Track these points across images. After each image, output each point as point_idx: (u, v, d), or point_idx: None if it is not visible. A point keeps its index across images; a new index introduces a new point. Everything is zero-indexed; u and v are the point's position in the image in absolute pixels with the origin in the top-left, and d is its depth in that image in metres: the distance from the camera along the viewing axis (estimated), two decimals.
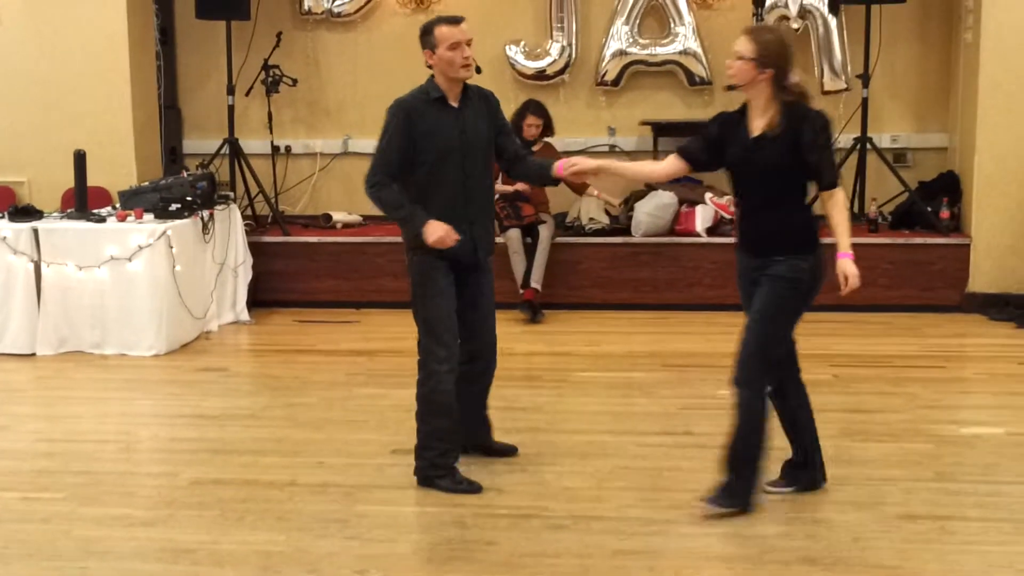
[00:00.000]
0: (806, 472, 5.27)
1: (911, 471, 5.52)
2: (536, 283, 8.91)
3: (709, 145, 5.09)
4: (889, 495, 5.21)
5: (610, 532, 4.88)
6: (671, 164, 5.21)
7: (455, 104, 5.29)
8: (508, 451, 5.74)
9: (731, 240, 9.07)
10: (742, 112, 5.00)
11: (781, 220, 4.92)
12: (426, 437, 5.35)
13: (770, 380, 5.05)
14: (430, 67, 5.30)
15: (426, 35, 5.26)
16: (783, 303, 4.96)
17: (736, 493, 4.99)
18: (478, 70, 5.34)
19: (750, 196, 5.03)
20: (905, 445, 5.90)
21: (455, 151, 5.24)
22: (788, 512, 5.04)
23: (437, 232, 5.13)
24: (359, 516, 5.08)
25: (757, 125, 4.92)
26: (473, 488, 5.29)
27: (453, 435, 5.38)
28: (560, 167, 5.37)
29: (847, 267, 4.89)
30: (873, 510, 5.03)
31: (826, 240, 4.95)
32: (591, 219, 9.41)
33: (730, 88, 4.98)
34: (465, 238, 5.24)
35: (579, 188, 9.15)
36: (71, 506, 5.23)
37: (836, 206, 4.91)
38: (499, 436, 5.85)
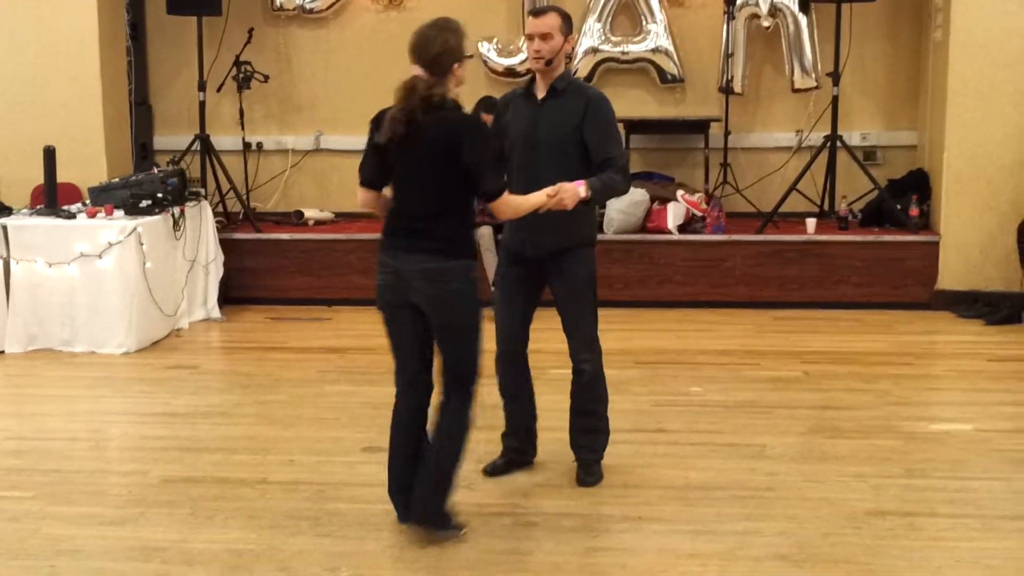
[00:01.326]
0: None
1: (881, 467, 5.55)
2: None
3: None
4: (859, 491, 5.24)
5: (582, 530, 4.89)
6: None
7: (542, 96, 5.26)
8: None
9: (704, 237, 9.16)
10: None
11: None
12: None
13: None
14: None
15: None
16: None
17: None
18: (549, 63, 5.20)
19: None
20: (875, 441, 5.93)
21: (525, 143, 5.21)
22: (759, 508, 5.06)
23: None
24: (330, 514, 5.07)
25: None
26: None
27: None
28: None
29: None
30: (843, 506, 5.06)
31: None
32: None
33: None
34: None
35: None
36: (40, 505, 5.20)
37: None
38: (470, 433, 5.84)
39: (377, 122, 4.72)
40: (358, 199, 4.85)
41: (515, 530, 4.89)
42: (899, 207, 9.31)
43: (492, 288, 8.86)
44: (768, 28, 9.95)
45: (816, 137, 9.81)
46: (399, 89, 4.66)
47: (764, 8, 9.90)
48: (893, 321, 8.63)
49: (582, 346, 5.44)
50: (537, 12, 5.27)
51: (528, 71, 10.15)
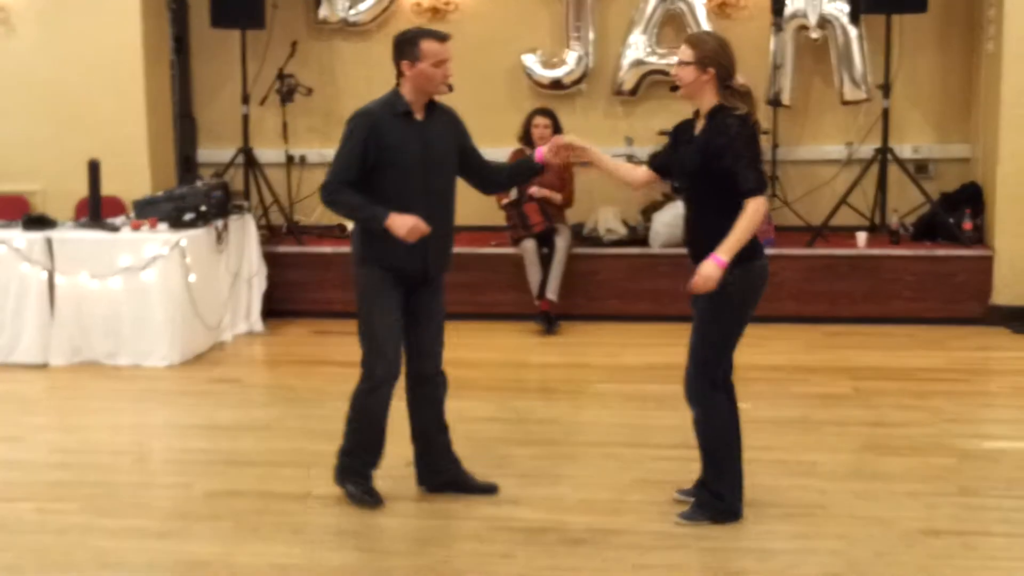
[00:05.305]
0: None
1: (934, 486, 5.44)
2: (552, 294, 8.84)
3: (668, 152, 5.10)
4: (912, 510, 5.14)
5: (629, 547, 4.81)
6: (644, 172, 5.26)
7: (420, 118, 5.20)
8: (488, 489, 5.43)
9: None
10: (695, 115, 5.00)
11: (708, 226, 4.83)
12: (355, 445, 5.33)
13: (719, 388, 5.05)
14: (401, 76, 5.18)
15: (408, 46, 5.13)
16: (713, 314, 4.90)
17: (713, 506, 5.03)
18: (450, 88, 5.24)
19: (686, 200, 5.05)
20: (928, 459, 5.81)
21: (418, 165, 5.14)
22: (810, 527, 4.96)
23: (406, 223, 5.00)
24: (375, 528, 5.04)
25: (698, 127, 4.92)
26: (372, 502, 5.25)
27: (378, 450, 5.35)
28: (540, 152, 5.33)
29: (704, 267, 4.74)
30: (896, 525, 4.96)
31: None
32: (608, 229, 9.35)
33: (674, 89, 5.01)
34: (418, 254, 5.14)
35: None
36: (86, 517, 5.19)
37: (742, 213, 4.74)
38: (514, 448, 5.79)
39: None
40: None
41: (561, 547, 4.81)
42: (952, 221, 9.16)
43: (536, 301, 8.84)
44: (817, 40, 9.84)
45: (867, 150, 9.67)
46: None
47: (813, 19, 9.78)
48: (946, 337, 8.48)
49: (441, 360, 5.43)
50: (445, 36, 5.21)
51: (574, 83, 10.18)
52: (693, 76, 4.83)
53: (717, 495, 5.03)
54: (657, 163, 5.20)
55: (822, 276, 9.00)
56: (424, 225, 5.01)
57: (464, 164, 5.36)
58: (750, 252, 4.80)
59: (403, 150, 5.11)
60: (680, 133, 5.05)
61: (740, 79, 4.89)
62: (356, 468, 5.33)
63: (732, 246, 4.70)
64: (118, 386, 7.53)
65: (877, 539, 4.81)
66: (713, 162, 4.75)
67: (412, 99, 5.17)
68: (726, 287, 4.75)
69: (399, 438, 6.27)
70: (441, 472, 5.43)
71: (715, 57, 4.81)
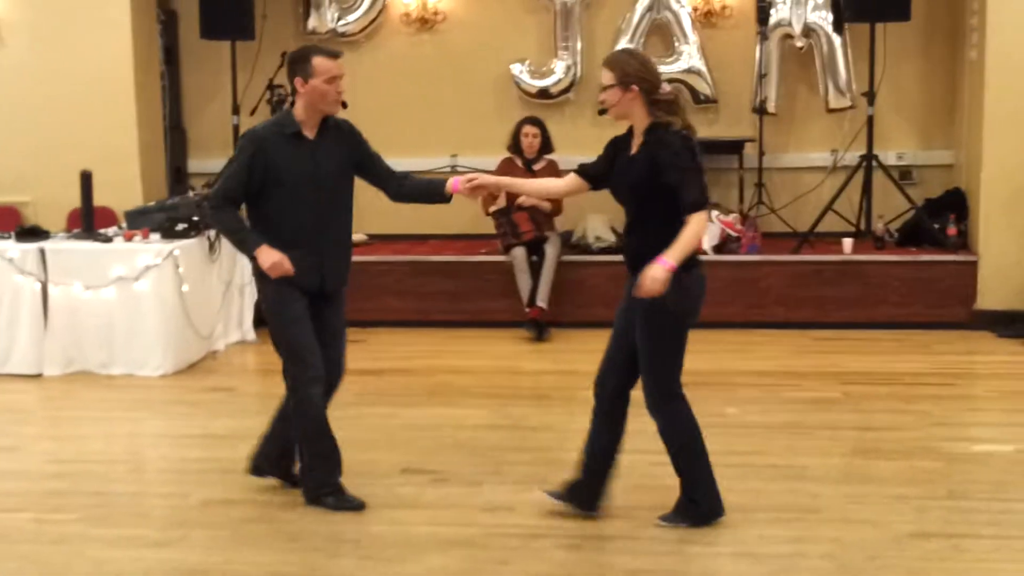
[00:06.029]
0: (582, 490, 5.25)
1: (923, 489, 5.50)
2: (542, 301, 8.91)
3: (604, 164, 5.14)
4: (902, 513, 5.20)
5: (624, 552, 4.87)
6: (571, 181, 5.31)
7: (311, 135, 5.27)
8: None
9: (740, 257, 9.14)
10: (629, 133, 5.06)
11: (648, 240, 4.89)
12: (312, 459, 5.37)
13: (676, 397, 5.14)
14: (293, 93, 5.26)
15: (301, 63, 5.20)
16: (657, 329, 4.97)
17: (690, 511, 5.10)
18: (344, 105, 5.32)
19: (626, 215, 5.11)
20: (917, 463, 5.88)
21: (308, 184, 5.21)
22: (803, 530, 5.02)
23: (271, 258, 5.13)
24: (371, 536, 5.07)
25: (635, 144, 4.98)
26: (355, 505, 5.33)
27: (335, 454, 5.40)
28: (456, 183, 5.39)
29: (652, 269, 4.77)
30: (887, 528, 5.02)
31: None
32: (597, 237, 9.42)
33: (601, 112, 5.05)
34: (314, 270, 5.25)
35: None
36: (83, 527, 5.22)
37: (687, 226, 4.80)
38: (509, 455, 5.83)
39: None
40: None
41: (556, 552, 4.87)
42: (937, 227, 9.26)
43: (526, 308, 8.90)
44: (802, 48, 9.94)
45: (852, 157, 9.76)
46: None
47: (797, 28, 9.88)
48: (932, 341, 8.56)
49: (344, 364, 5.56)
50: (337, 53, 5.29)
51: (562, 92, 10.24)
52: (618, 97, 4.89)
53: (693, 501, 5.10)
54: (589, 173, 5.21)
55: (809, 282, 9.07)
56: (287, 265, 5.13)
57: (366, 174, 5.48)
58: (687, 263, 4.86)
59: (290, 170, 5.19)
60: (617, 147, 5.09)
61: (665, 87, 4.94)
62: (323, 480, 5.37)
63: (677, 254, 4.77)
64: (112, 396, 7.56)
65: (869, 542, 4.87)
66: (657, 178, 4.82)
67: (304, 118, 5.25)
68: (665, 298, 4.81)
69: (387, 445, 6.35)
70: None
71: (636, 74, 4.87)
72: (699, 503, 5.09)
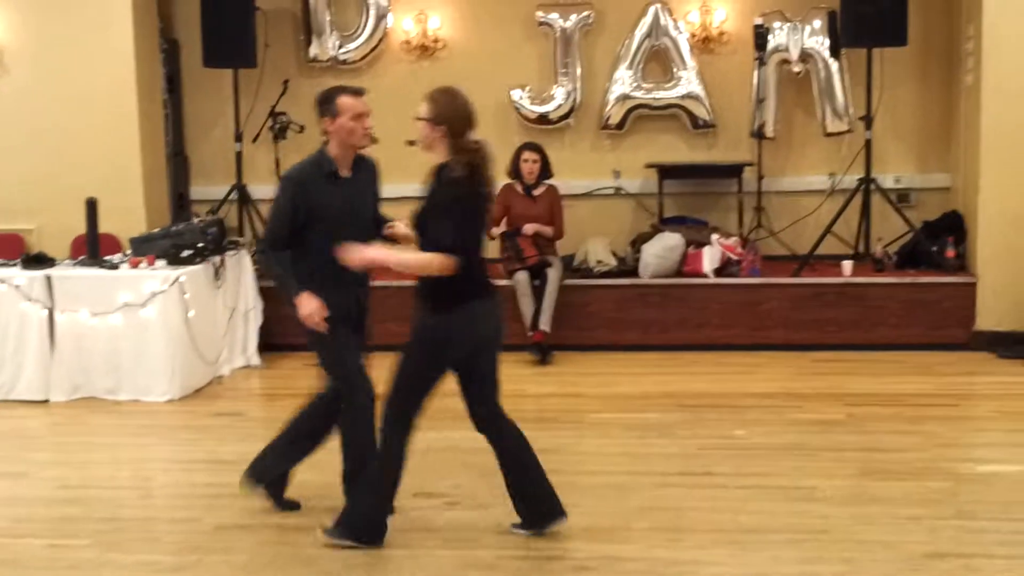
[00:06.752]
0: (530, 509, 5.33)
1: (933, 509, 5.54)
2: (545, 325, 8.94)
3: None
4: (914, 533, 5.23)
5: (636, 573, 4.90)
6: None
7: (347, 174, 5.44)
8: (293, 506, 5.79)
9: (741, 280, 9.20)
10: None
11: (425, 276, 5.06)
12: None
13: (401, 425, 5.19)
14: (326, 134, 5.41)
15: (327, 104, 5.38)
16: (411, 350, 5.13)
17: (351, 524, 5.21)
18: (374, 140, 5.48)
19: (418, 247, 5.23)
20: (925, 483, 5.92)
21: (345, 219, 5.38)
22: (815, 551, 5.06)
23: (310, 306, 5.31)
24: (385, 560, 5.09)
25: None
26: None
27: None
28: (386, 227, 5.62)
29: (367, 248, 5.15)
30: (899, 549, 5.05)
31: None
32: (599, 261, 9.47)
33: (410, 143, 5.18)
34: (352, 298, 5.45)
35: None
36: (97, 552, 5.24)
37: (425, 253, 4.99)
38: None
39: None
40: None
41: (568, 573, 4.89)
42: (935, 249, 9.33)
43: (529, 332, 8.94)
44: (799, 73, 10.02)
45: (850, 180, 9.83)
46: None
47: (795, 53, 9.96)
48: (933, 362, 8.62)
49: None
50: (360, 91, 5.45)
51: (562, 118, 10.31)
52: (428, 132, 5.04)
53: (356, 506, 5.26)
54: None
55: (809, 304, 9.13)
56: (319, 318, 5.29)
57: None
58: (458, 298, 4.99)
59: (329, 206, 5.36)
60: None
61: (473, 136, 5.04)
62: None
63: (397, 259, 5.08)
64: (119, 421, 7.58)
65: (882, 563, 4.91)
66: (423, 215, 5.02)
67: (338, 155, 5.42)
68: (425, 326, 5.02)
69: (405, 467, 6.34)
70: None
71: (447, 115, 5.00)
72: (361, 515, 5.23)
